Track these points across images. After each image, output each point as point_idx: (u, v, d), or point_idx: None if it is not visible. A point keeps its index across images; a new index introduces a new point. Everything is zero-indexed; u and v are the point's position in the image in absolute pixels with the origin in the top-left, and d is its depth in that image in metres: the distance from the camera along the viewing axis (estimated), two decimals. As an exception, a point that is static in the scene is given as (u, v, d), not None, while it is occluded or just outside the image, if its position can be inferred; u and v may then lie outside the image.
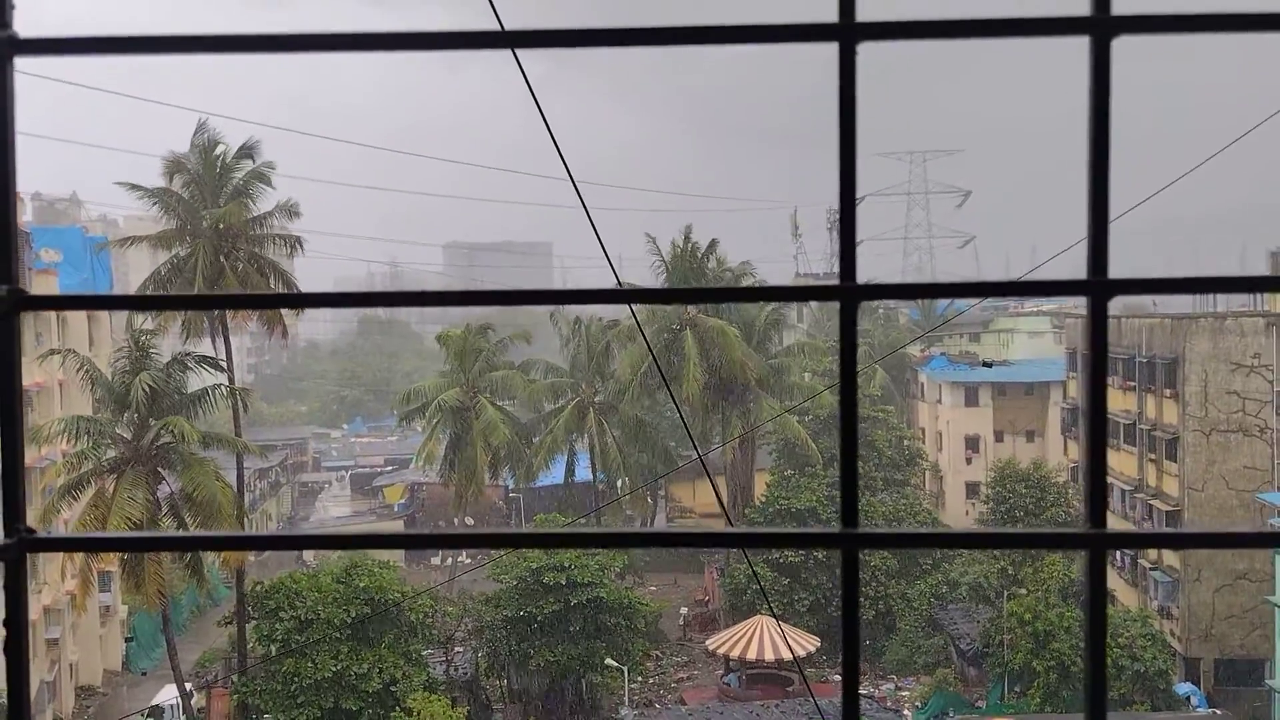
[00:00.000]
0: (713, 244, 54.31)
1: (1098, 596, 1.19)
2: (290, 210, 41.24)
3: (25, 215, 49.43)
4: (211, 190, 39.78)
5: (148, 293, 38.60)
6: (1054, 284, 1.31)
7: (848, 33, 1.20)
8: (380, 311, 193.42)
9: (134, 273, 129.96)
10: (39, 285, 46.28)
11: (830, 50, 1.27)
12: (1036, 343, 71.07)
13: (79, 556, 33.27)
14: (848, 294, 1.30)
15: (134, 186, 40.88)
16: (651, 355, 25.61)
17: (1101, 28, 1.20)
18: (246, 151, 40.68)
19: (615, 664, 39.87)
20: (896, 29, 1.22)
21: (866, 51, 1.27)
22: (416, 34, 1.24)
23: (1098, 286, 1.22)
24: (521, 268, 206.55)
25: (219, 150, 40.22)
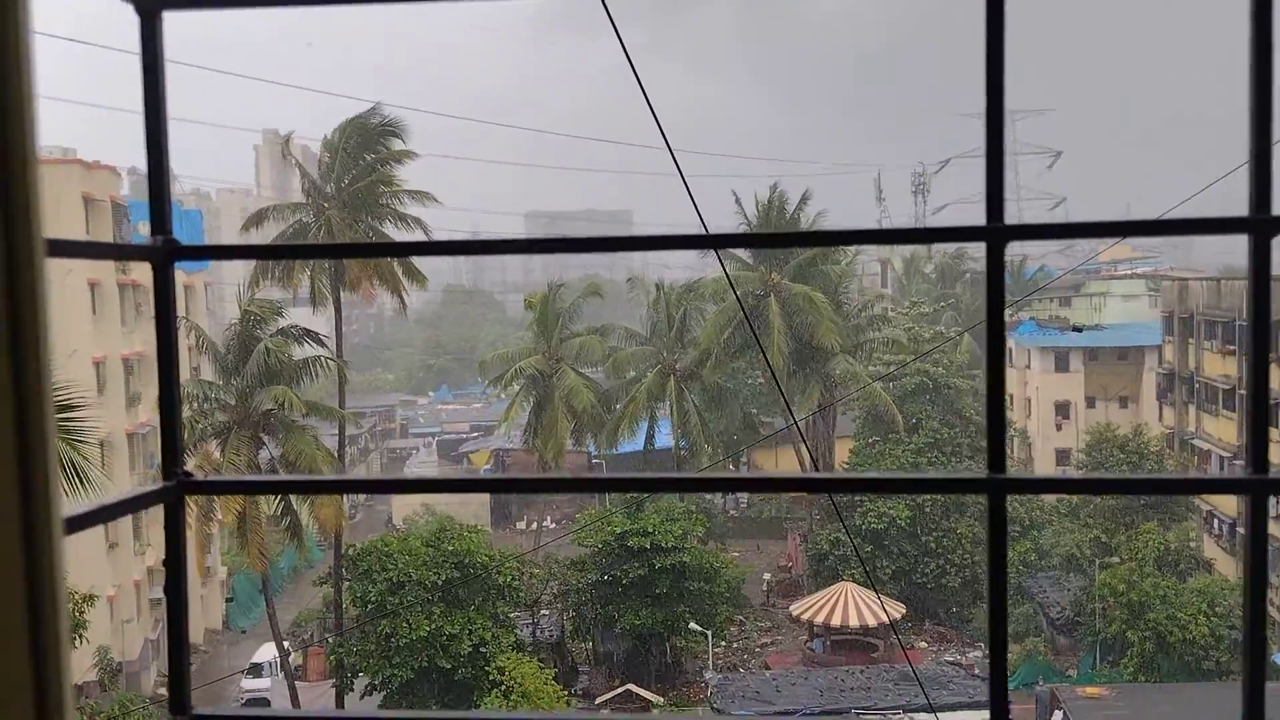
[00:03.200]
0: (805, 196, 53.70)
1: (1259, 544, 1.17)
2: (422, 197, 42.08)
3: (122, 189, 50.92)
4: (341, 164, 40.62)
5: (267, 269, 39.85)
6: (1210, 222, 1.28)
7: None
8: (464, 280, 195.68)
9: (227, 242, 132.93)
10: (138, 257, 47.64)
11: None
12: (1131, 306, 69.14)
13: (194, 519, 34.56)
14: (995, 234, 1.28)
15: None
16: (743, 312, 25.47)
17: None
18: (390, 129, 41.30)
19: (699, 628, 40.11)
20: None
21: (951, 5, 1.24)
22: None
23: (1260, 224, 1.19)
24: (603, 235, 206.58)
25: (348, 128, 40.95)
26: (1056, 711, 34.12)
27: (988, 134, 1.32)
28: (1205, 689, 34.10)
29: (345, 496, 49.82)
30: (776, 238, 1.46)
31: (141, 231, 51.87)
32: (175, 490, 1.38)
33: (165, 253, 1.42)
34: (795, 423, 16.27)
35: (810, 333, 49.22)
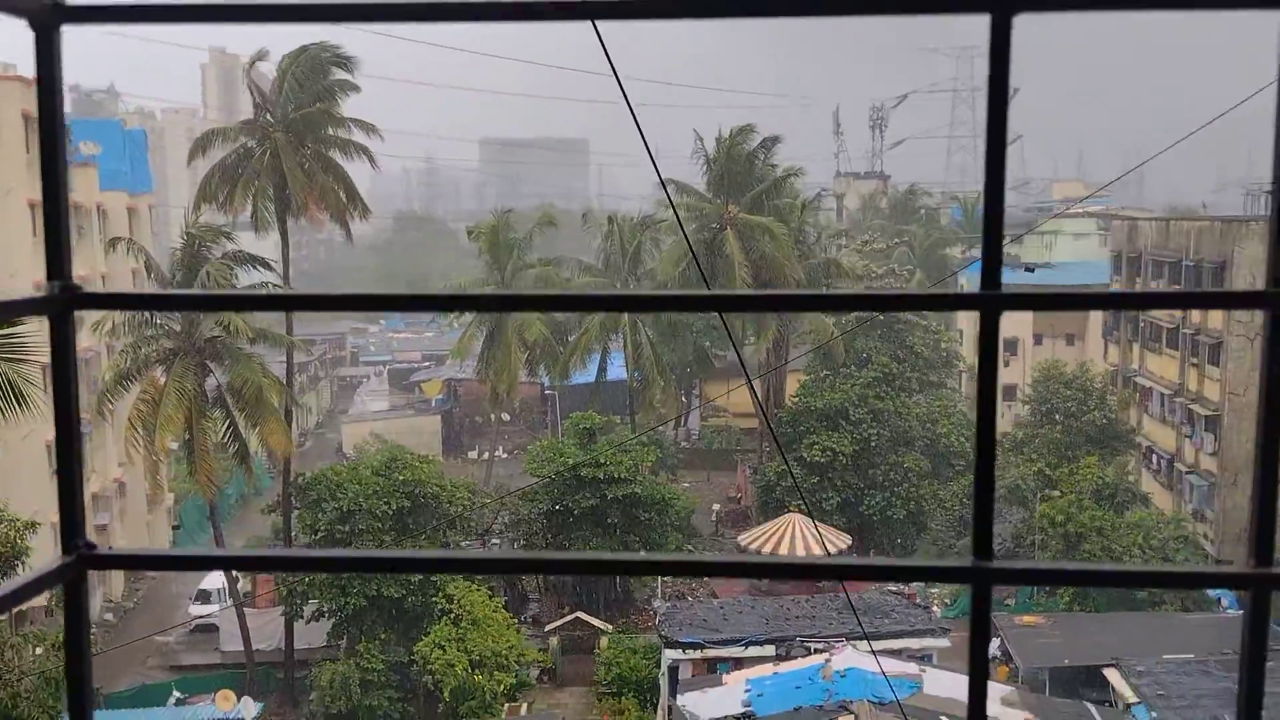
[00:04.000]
0: (768, 142, 53.25)
1: (1258, 639, 1.12)
2: (367, 128, 41.31)
3: (65, 107, 49.33)
4: (289, 89, 39.77)
5: (211, 193, 39.01)
6: (1226, 295, 1.18)
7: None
8: (416, 207, 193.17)
9: (171, 166, 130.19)
10: (78, 179, 46.46)
11: None
12: (1081, 244, 69.91)
13: (140, 442, 34.12)
14: (991, 302, 1.22)
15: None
16: (693, 255, 25.39)
17: None
18: (338, 60, 40.42)
19: (649, 557, 40.53)
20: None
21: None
22: None
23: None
24: (557, 164, 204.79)
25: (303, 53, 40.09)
26: (994, 639, 35.07)
27: (986, 198, 1.24)
28: (1137, 618, 35.18)
29: (294, 421, 49.43)
30: (775, 299, 1.38)
31: (84, 151, 50.43)
32: (75, 566, 1.22)
33: (64, 302, 1.21)
34: (749, 381, 16.21)
35: (768, 266, 49.25)
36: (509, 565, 1.24)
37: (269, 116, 40.12)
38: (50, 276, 1.20)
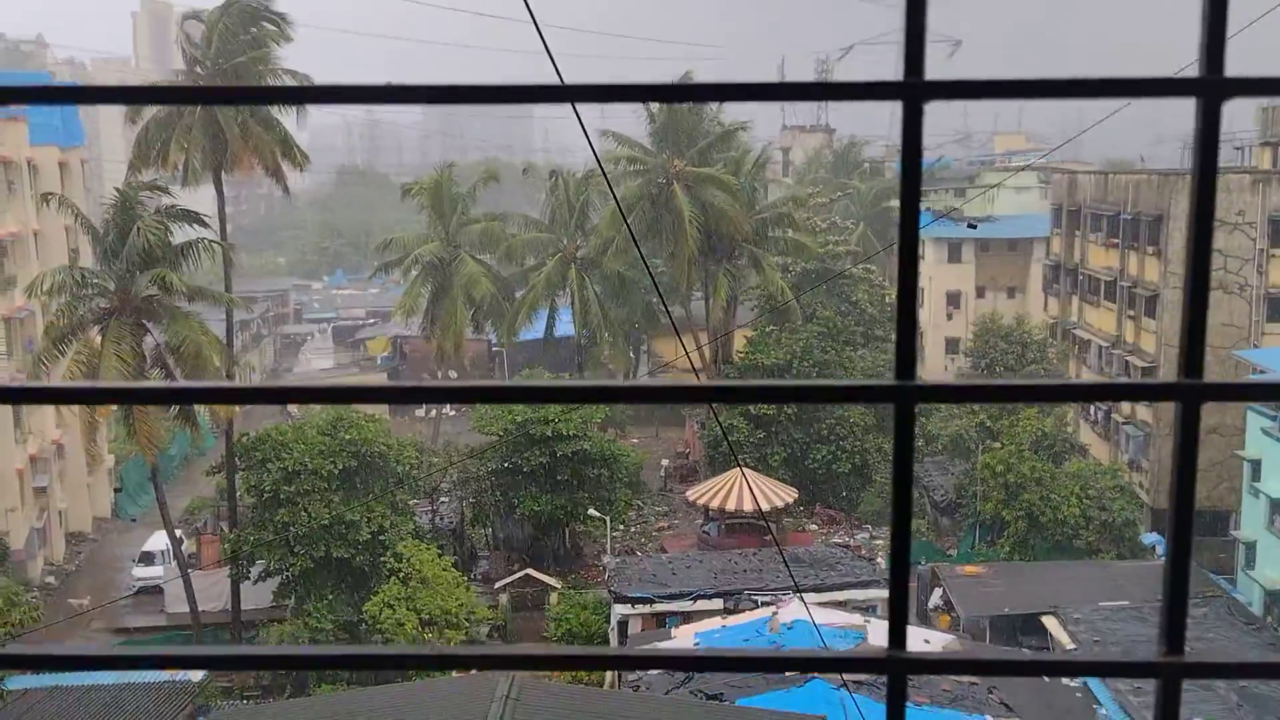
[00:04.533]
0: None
1: (1188, 453, 1.08)
2: (300, 79, 40.38)
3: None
4: (220, 39, 38.85)
5: (148, 139, 38.12)
6: (1156, 82, 1.14)
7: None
8: (358, 161, 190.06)
9: (103, 119, 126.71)
10: (7, 132, 44.99)
11: None
12: (1022, 198, 70.57)
13: (76, 406, 33.31)
14: (914, 91, 1.14)
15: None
16: (625, 223, 25.23)
17: None
18: (269, 12, 39.63)
19: (598, 514, 40.69)
20: None
21: None
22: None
23: (1211, 86, 1.07)
24: (502, 118, 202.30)
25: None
26: (936, 589, 35.72)
27: (899, 297, 1.16)
28: (1075, 567, 36.02)
29: (238, 380, 48.70)
30: (657, 89, 1.29)
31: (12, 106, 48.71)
32: None
33: None
34: (687, 353, 16.17)
35: (717, 218, 49.14)
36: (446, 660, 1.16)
37: (199, 70, 39.16)
38: None
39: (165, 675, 31.96)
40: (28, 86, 1.09)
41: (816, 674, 23.44)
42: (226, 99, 1.15)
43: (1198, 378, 1.05)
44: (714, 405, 46.02)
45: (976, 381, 1.11)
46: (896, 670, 1.15)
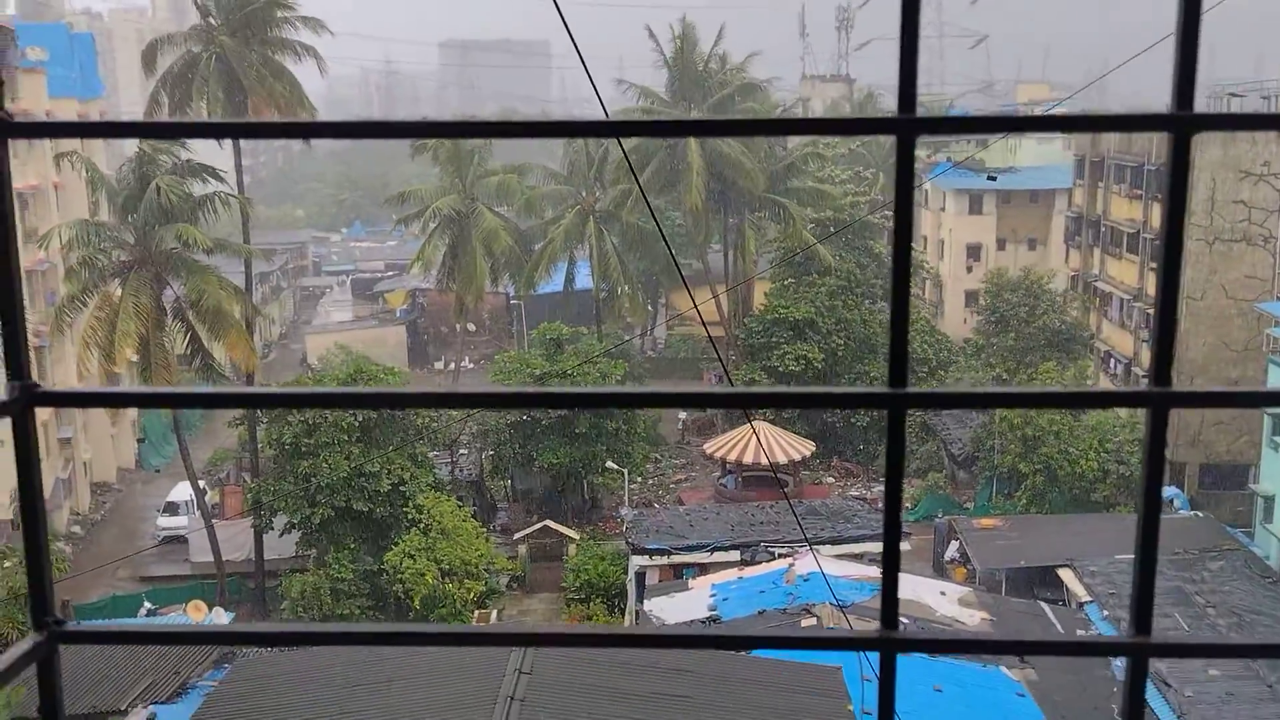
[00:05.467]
0: (719, 36, 52.55)
1: (1156, 457, 1.15)
2: (315, 25, 40.29)
3: (8, 9, 47.56)
4: None
5: (163, 96, 38.04)
6: (1132, 118, 1.21)
7: None
8: (375, 113, 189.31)
9: (121, 69, 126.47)
10: (26, 85, 45.05)
11: None
12: (1045, 149, 69.76)
13: (95, 359, 33.69)
14: (905, 127, 1.20)
15: None
16: (635, 180, 25.12)
17: None
18: None
19: (616, 466, 40.98)
20: None
21: None
22: None
23: (1181, 121, 1.13)
24: (518, 68, 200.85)
25: None
26: (953, 541, 35.92)
27: (902, 16, 1.21)
28: (1092, 520, 36.12)
29: (257, 333, 49.05)
30: (682, 125, 1.36)
31: (31, 57, 48.74)
32: (47, 644, 1.24)
33: (25, 401, 1.22)
34: (697, 307, 16.18)
35: (733, 173, 48.90)
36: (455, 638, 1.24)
37: (211, 21, 39.06)
38: (11, 377, 1.21)
39: (191, 621, 32.58)
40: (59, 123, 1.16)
41: (829, 624, 23.69)
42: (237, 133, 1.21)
43: (1166, 385, 1.11)
44: (736, 359, 45.70)
45: (964, 390, 1.18)
46: (888, 649, 1.23)
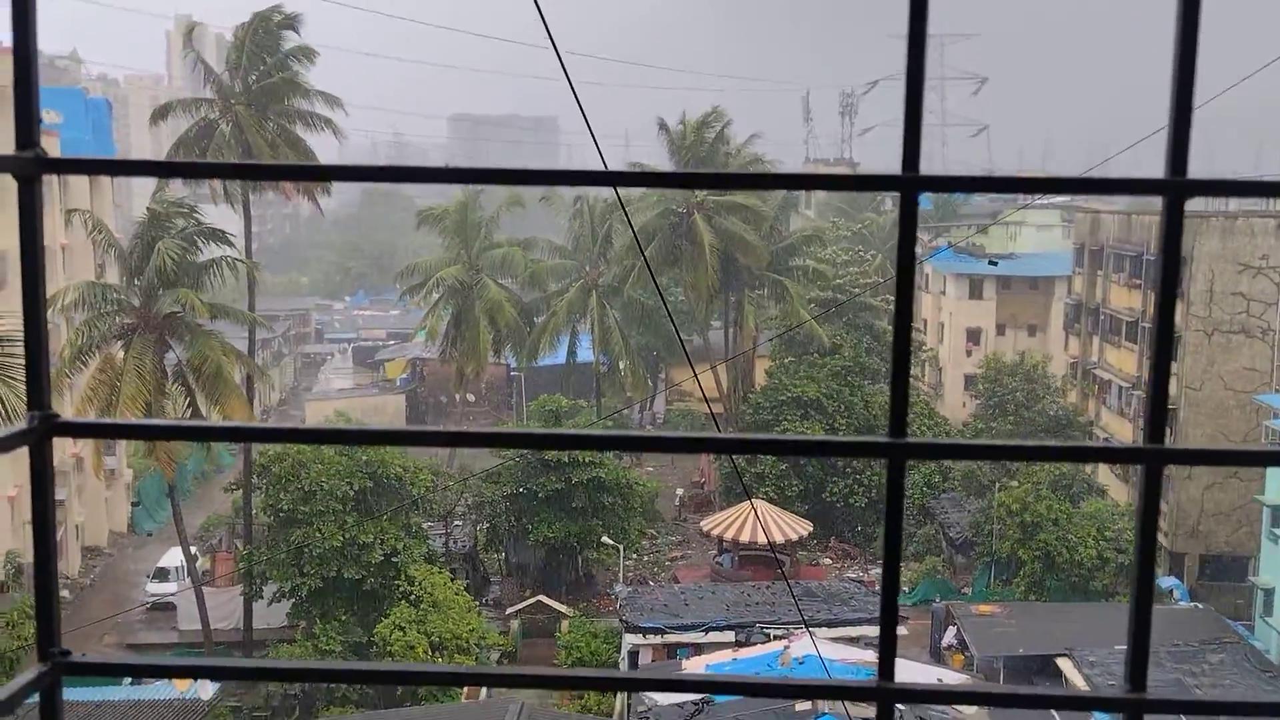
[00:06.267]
0: (724, 124, 53.39)
1: (1149, 514, 1.17)
2: (332, 101, 41.02)
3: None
4: (249, 59, 39.49)
5: (178, 159, 38.57)
6: (1125, 182, 1.25)
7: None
8: (383, 184, 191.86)
9: (134, 134, 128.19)
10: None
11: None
12: (1044, 236, 70.48)
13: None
14: (908, 184, 1.24)
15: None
16: (639, 250, 25.42)
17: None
18: (288, 23, 40.14)
19: (611, 542, 40.67)
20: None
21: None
22: None
23: (1175, 186, 1.17)
24: (528, 143, 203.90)
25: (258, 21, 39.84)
26: (950, 627, 35.49)
27: (908, 82, 1.26)
28: (1092, 609, 35.74)
29: (257, 398, 49.03)
30: (685, 177, 1.40)
31: (46, 120, 49.42)
32: (51, 674, 1.26)
33: (44, 430, 1.25)
34: (699, 383, 16.28)
35: (739, 250, 49.36)
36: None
37: (232, 83, 39.73)
38: (30, 407, 1.23)
39: (176, 692, 32.07)
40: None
41: (825, 710, 23.33)
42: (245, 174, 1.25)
43: (1160, 443, 1.13)
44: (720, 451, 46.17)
45: (961, 441, 1.20)
46: (885, 699, 1.24)
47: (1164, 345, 1.16)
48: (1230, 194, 1.21)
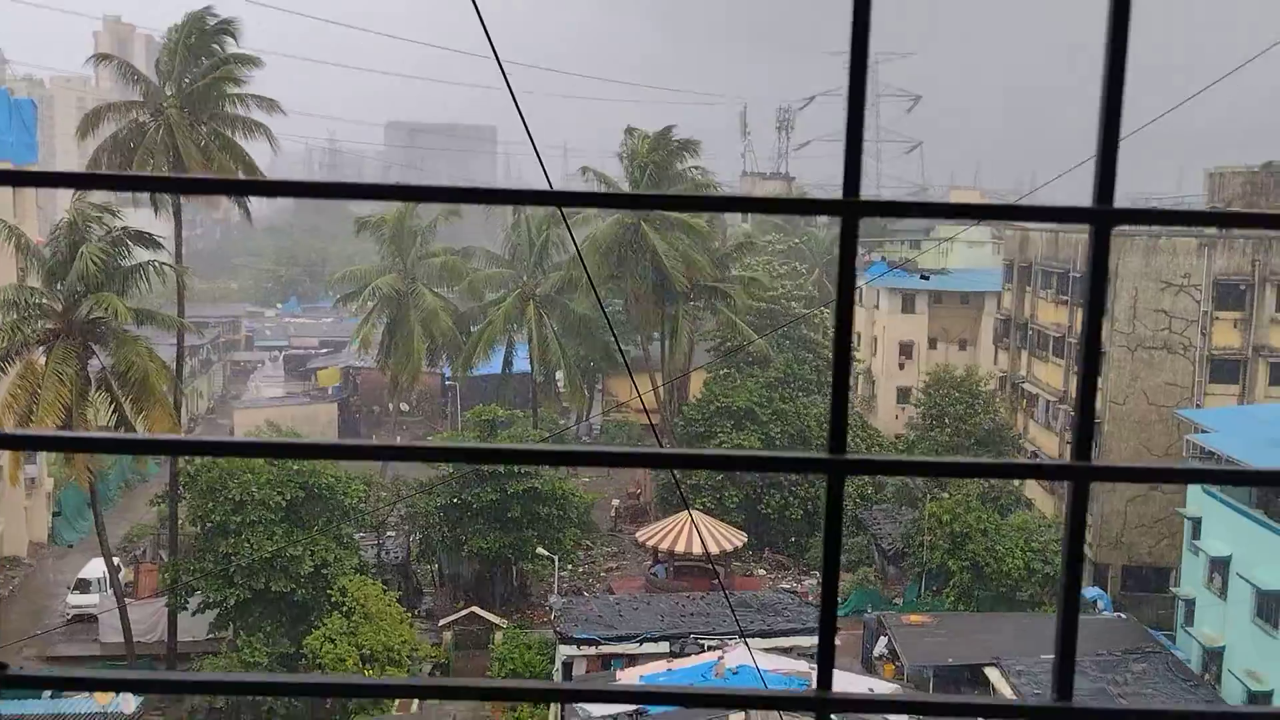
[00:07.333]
0: (690, 145, 53.17)
1: (1077, 529, 1.21)
2: (268, 105, 40.23)
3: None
4: (182, 62, 38.65)
5: (105, 162, 37.67)
6: (1054, 210, 1.29)
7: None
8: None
9: (60, 137, 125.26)
10: (-40, 147, 44.37)
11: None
12: (975, 252, 71.88)
13: (12, 427, 32.61)
14: (849, 209, 1.27)
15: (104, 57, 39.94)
16: (584, 268, 25.42)
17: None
18: (225, 27, 39.31)
19: (546, 553, 40.50)
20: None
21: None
22: None
23: (1102, 215, 1.21)
24: (465, 151, 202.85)
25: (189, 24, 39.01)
26: (882, 637, 35.89)
27: (849, 111, 1.29)
28: (1018, 619, 36.37)
29: (184, 407, 48.10)
30: (631, 199, 1.42)
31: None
32: None
33: None
34: (639, 394, 16.35)
35: (682, 264, 49.47)
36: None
37: (163, 86, 38.95)
38: None
39: (97, 706, 31.25)
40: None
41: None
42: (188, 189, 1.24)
43: (1087, 459, 1.17)
44: (670, 446, 46.08)
45: (901, 457, 1.23)
46: (823, 710, 1.27)
47: (1090, 369, 1.20)
48: (1156, 223, 1.25)
